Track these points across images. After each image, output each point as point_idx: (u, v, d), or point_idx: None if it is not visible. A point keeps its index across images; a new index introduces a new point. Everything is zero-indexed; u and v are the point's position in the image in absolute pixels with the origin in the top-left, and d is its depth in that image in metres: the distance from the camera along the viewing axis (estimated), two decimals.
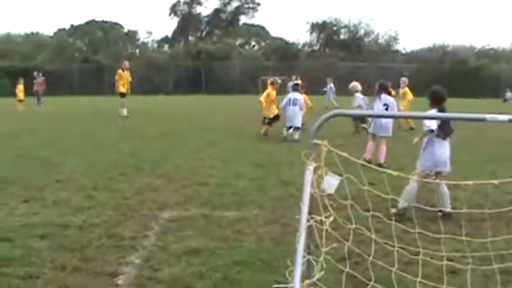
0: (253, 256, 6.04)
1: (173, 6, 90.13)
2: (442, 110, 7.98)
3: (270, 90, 18.21)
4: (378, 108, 12.07)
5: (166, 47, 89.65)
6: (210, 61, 62.18)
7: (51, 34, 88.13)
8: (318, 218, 3.52)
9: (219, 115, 15.32)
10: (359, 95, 18.14)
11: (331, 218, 3.55)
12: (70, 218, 7.63)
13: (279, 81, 19.81)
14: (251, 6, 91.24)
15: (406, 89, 22.31)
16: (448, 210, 7.52)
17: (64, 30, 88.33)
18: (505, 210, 4.54)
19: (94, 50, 77.01)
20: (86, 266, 5.79)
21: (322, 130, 3.68)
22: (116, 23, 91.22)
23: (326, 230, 3.49)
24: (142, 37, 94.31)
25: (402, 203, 7.36)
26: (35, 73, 42.02)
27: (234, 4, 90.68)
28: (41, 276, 5.54)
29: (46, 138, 16.79)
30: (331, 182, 3.70)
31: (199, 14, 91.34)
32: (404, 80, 22.70)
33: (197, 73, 57.34)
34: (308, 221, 3.44)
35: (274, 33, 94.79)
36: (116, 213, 7.95)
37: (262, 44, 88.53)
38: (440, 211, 7.37)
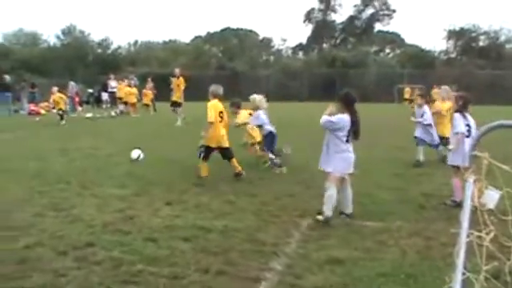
0: (397, 269, 5.88)
1: (307, 13, 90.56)
2: (353, 113, 7.95)
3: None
4: (460, 128, 9.04)
5: (301, 54, 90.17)
6: (344, 68, 61.83)
7: (188, 41, 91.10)
8: (478, 234, 3.34)
9: None
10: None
11: (492, 234, 3.35)
12: (211, 222, 7.80)
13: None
14: (386, 12, 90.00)
15: (450, 103, 13.92)
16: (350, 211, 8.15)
17: (200, 37, 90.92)
18: None
19: (230, 57, 78.66)
20: (230, 270, 5.88)
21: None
22: (251, 30, 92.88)
23: (486, 247, 3.30)
24: (277, 44, 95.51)
25: (328, 212, 7.82)
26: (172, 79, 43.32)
27: (369, 11, 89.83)
28: (186, 277, 5.69)
29: (185, 141, 17.25)
30: (492, 196, 3.50)
31: (334, 21, 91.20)
32: (447, 89, 15.15)
33: (331, 80, 56.90)
34: (467, 236, 3.27)
35: (409, 40, 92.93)
36: (257, 218, 8.06)
37: (397, 51, 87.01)
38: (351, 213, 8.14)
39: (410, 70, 61.78)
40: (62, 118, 26.96)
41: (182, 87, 25.72)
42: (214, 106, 11.39)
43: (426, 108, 13.68)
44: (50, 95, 28.09)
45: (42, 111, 35.14)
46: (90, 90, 50.25)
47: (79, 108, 39.62)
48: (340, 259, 6.16)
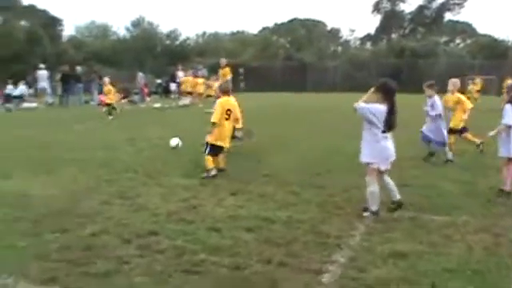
0: (462, 265, 5.74)
1: (376, 3, 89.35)
2: (392, 103, 7.57)
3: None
4: (509, 119, 8.97)
5: (369, 45, 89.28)
6: (413, 58, 60.66)
7: (255, 32, 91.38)
8: None
9: (419, 113, 14.39)
10: None
11: None
12: (275, 213, 7.80)
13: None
14: (457, 1, 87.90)
15: (458, 95, 13.99)
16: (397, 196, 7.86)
17: (268, 28, 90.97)
18: None
19: (297, 48, 78.45)
20: (292, 262, 5.86)
21: None
22: (319, 21, 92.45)
23: None
24: (345, 34, 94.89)
25: (373, 207, 7.65)
26: (240, 70, 43.70)
27: (439, 0, 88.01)
28: (248, 267, 5.71)
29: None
30: None
31: (402, 11, 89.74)
32: (454, 82, 14.14)
33: (399, 70, 55.69)
34: None
35: (481, 29, 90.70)
36: (321, 210, 8.00)
37: (468, 41, 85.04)
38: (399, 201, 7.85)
39: (481, 60, 60.12)
40: (109, 113, 25.41)
41: (228, 77, 25.93)
42: (222, 105, 10.99)
43: (436, 99, 12.52)
44: (104, 86, 27.59)
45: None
46: (159, 81, 51.05)
47: (147, 98, 40.28)
48: (404, 253, 6.06)
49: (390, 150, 7.74)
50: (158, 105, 33.66)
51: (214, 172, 10.58)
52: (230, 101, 11.18)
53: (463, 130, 13.72)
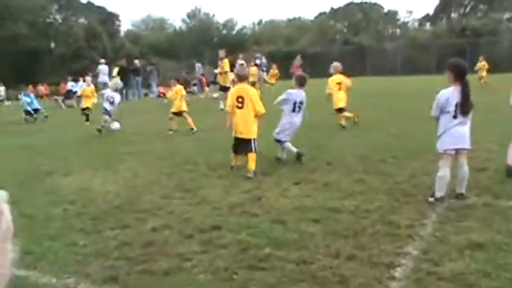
0: None
1: None
2: (465, 85, 7.10)
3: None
4: None
5: (428, 25, 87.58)
6: (475, 37, 58.95)
7: (312, 18, 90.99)
8: None
9: (488, 95, 13.83)
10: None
11: None
12: (341, 202, 7.50)
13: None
14: None
15: (338, 75, 15.95)
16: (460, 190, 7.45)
17: (325, 13, 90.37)
18: None
19: (355, 32, 77.61)
20: (361, 254, 5.56)
21: None
22: (375, 4, 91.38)
23: None
24: (403, 16, 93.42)
25: (438, 193, 7.30)
26: (298, 56, 43.33)
27: None
28: (314, 262, 5.45)
29: (311, 120, 16.97)
30: None
31: None
32: (335, 66, 16.24)
33: (461, 51, 54.03)
34: None
35: None
36: (390, 198, 7.63)
37: None
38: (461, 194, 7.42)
39: None
40: (87, 119, 21.94)
41: (226, 70, 24.84)
42: (231, 93, 10.33)
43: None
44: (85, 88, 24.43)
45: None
46: (217, 71, 51.10)
47: (206, 89, 40.27)
48: (481, 244, 5.66)
49: (461, 136, 7.30)
50: (216, 95, 33.60)
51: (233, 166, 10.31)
52: (243, 88, 10.23)
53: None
